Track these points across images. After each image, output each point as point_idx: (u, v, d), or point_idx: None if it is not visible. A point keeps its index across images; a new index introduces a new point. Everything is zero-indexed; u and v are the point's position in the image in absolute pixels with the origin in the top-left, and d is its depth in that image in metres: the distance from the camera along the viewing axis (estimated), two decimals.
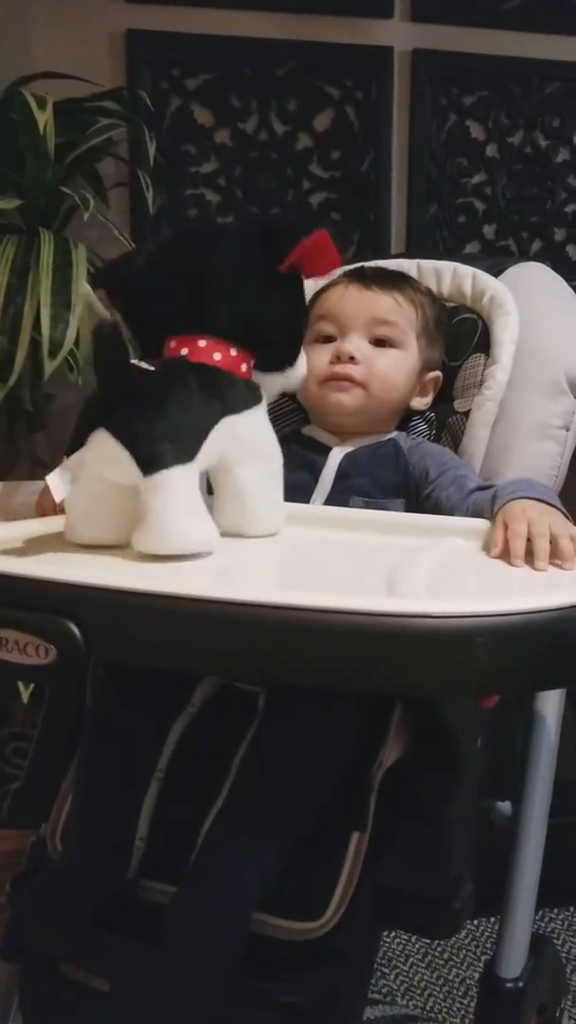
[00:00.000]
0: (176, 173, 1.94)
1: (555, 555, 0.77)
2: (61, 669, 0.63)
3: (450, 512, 0.94)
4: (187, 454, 0.75)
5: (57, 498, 0.74)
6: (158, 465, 0.73)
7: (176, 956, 0.78)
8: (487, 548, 0.81)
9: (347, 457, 1.03)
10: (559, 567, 0.77)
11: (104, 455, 0.73)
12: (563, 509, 0.86)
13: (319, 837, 0.83)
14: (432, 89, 2.01)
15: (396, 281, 1.09)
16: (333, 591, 0.63)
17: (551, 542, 0.78)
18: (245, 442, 0.82)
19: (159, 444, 0.73)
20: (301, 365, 0.89)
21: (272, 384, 0.88)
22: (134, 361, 0.81)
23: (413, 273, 1.15)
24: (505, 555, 0.78)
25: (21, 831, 1.06)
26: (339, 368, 1.03)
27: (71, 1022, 0.87)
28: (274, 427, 1.12)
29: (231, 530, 0.83)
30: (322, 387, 1.04)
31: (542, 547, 0.78)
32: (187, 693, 0.93)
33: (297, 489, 1.00)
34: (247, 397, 0.83)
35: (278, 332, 0.87)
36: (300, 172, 2.01)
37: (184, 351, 0.81)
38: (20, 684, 1.53)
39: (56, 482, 0.73)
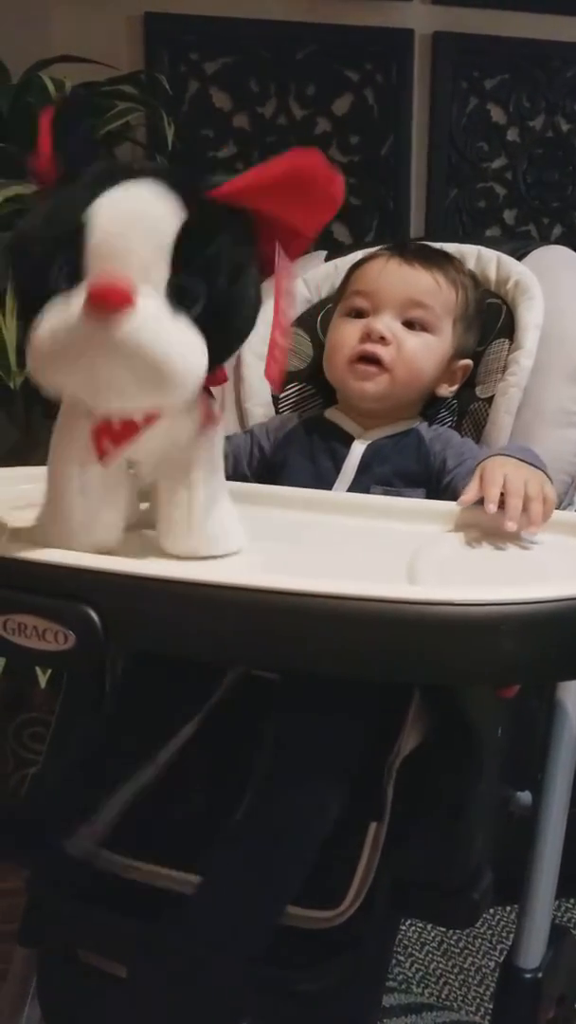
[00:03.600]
0: (194, 158, 1.93)
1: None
2: (79, 655, 0.63)
3: None
4: None
5: None
6: None
7: (198, 942, 0.78)
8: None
9: (370, 447, 1.02)
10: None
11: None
12: (547, 472, 0.86)
13: (337, 825, 0.82)
14: (453, 72, 1.99)
15: (439, 259, 1.06)
16: (353, 578, 0.62)
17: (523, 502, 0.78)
18: None
19: None
20: None
21: None
22: None
23: None
24: (473, 501, 0.80)
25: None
26: (368, 347, 1.01)
27: (87, 1007, 0.87)
28: (295, 412, 1.13)
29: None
30: (347, 370, 1.03)
31: (513, 505, 0.78)
32: (209, 686, 0.92)
33: (318, 477, 1.00)
34: None
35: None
36: None
37: None
38: (38, 669, 1.53)
39: None
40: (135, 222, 0.65)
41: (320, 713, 0.84)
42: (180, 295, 0.65)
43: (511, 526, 0.77)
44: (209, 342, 0.67)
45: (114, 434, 0.70)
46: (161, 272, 0.64)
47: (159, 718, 0.91)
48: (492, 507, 0.78)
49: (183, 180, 0.67)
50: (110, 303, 0.62)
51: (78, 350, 0.63)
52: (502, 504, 0.79)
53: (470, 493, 0.81)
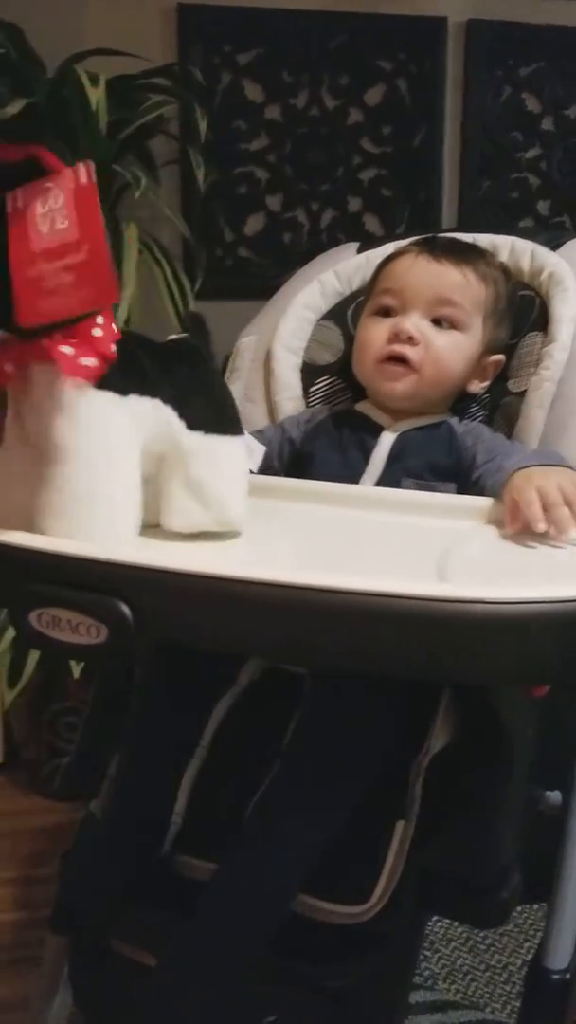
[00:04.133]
0: (226, 150, 1.92)
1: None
2: (112, 649, 0.64)
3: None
4: None
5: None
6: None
7: (212, 927, 0.79)
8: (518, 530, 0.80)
9: (400, 438, 1.01)
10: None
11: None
12: (572, 467, 0.85)
13: (365, 822, 0.82)
14: (487, 61, 1.97)
15: (468, 254, 1.04)
16: (382, 575, 0.62)
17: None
18: None
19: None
20: None
21: None
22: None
23: None
24: (524, 527, 0.78)
25: (72, 805, 1.07)
26: (396, 347, 1.00)
27: (117, 995, 0.88)
28: (326, 405, 1.12)
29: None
30: (375, 370, 1.02)
31: (561, 517, 0.77)
32: (234, 672, 0.93)
33: (347, 468, 0.99)
34: None
35: None
36: (351, 148, 1.99)
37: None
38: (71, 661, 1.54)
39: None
40: None
41: (348, 708, 0.84)
42: None
43: (564, 538, 0.75)
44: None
45: None
46: None
47: (195, 697, 0.92)
48: (542, 526, 0.76)
49: None
50: None
51: None
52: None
53: (515, 523, 0.79)
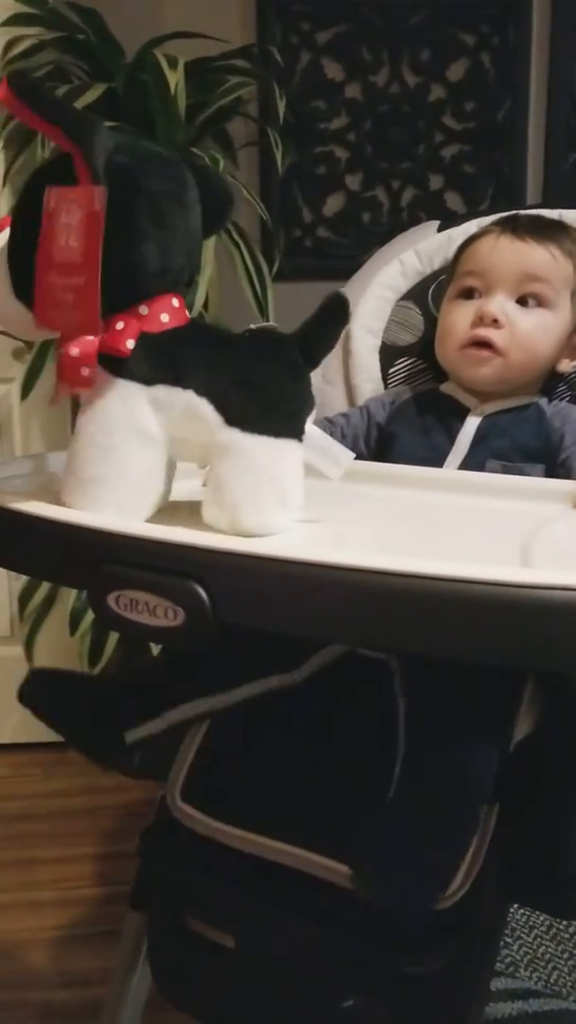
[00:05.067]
0: (305, 130, 1.91)
1: None
2: (188, 631, 0.64)
3: None
4: None
5: None
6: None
7: (380, 873, 0.76)
8: None
9: (487, 420, 0.99)
10: None
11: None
12: None
13: None
14: (573, 32, 1.91)
15: (553, 231, 1.01)
16: (464, 560, 0.60)
17: None
18: None
19: None
20: None
21: None
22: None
23: None
24: None
25: (151, 782, 1.09)
26: (480, 331, 0.98)
27: (195, 973, 0.89)
28: (407, 386, 1.11)
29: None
30: (459, 356, 1.00)
31: None
32: (300, 659, 0.92)
33: (431, 451, 0.98)
34: None
35: None
36: (432, 124, 1.95)
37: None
38: None
39: None
40: None
41: (451, 697, 0.82)
42: None
43: None
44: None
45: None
46: None
47: (240, 664, 0.92)
48: None
49: None
50: None
51: None
52: None
53: None
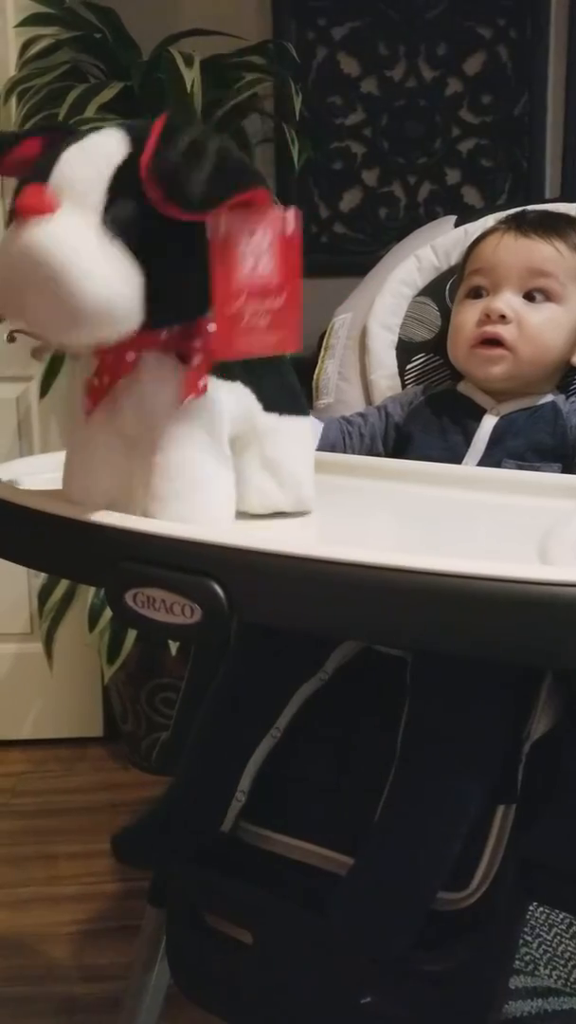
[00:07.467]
0: (321, 126, 1.91)
1: None
2: (205, 628, 0.64)
3: None
4: None
5: None
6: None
7: (350, 926, 0.78)
8: None
9: (503, 420, 0.98)
10: None
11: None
12: None
13: None
14: None
15: (558, 225, 1.01)
16: (481, 557, 0.60)
17: None
18: None
19: None
20: None
21: None
22: None
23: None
24: None
25: (170, 779, 1.09)
26: (488, 328, 0.98)
27: (213, 969, 0.89)
28: (423, 385, 1.10)
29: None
30: (469, 355, 1.00)
31: None
32: (319, 657, 0.92)
33: (448, 452, 0.98)
34: None
35: None
36: (449, 118, 1.94)
37: None
38: None
39: None
40: (82, 153, 0.65)
41: (458, 697, 0.82)
42: (115, 221, 0.64)
43: None
44: (151, 282, 0.64)
45: (93, 390, 0.71)
46: (98, 196, 0.64)
47: (277, 679, 0.92)
48: None
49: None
50: (26, 208, 0.62)
51: (8, 266, 0.63)
52: None
53: None
